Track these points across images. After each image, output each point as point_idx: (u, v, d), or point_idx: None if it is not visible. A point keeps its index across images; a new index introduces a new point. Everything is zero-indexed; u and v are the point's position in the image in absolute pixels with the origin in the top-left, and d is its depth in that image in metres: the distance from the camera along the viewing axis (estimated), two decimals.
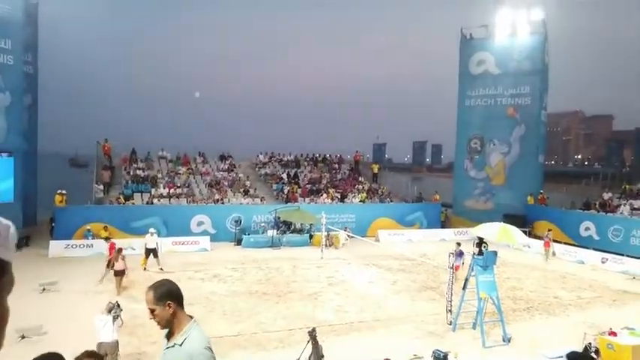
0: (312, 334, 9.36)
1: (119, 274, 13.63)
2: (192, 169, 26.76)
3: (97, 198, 21.95)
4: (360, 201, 26.63)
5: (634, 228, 20.65)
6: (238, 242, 21.55)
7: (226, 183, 25.80)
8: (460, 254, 15.26)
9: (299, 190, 26.33)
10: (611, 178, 31.80)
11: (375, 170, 31.71)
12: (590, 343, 9.79)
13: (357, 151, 33.18)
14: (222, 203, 23.56)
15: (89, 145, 27.33)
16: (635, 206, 22.52)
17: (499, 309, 10.99)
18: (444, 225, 28.19)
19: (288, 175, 28.17)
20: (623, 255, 19.61)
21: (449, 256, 12.10)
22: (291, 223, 23.09)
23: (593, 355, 9.38)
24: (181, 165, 26.82)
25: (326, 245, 20.69)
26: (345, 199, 26.42)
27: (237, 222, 22.27)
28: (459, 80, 29.71)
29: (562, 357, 4.19)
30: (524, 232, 18.44)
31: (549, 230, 21.86)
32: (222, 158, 28.82)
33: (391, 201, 27.90)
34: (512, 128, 27.85)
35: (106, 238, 18.77)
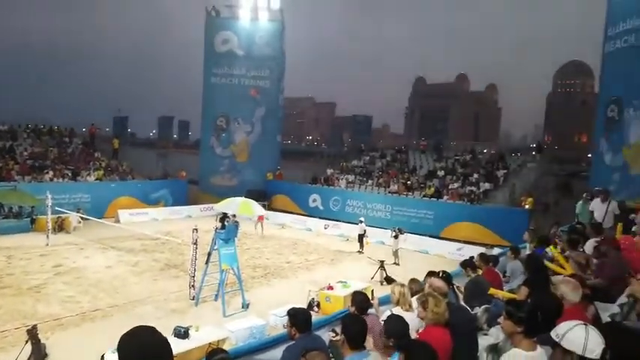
0: (32, 332, 8.05)
1: None
2: None
3: None
4: (97, 179, 24.15)
5: (348, 198, 24.80)
6: None
7: None
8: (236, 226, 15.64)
9: (16, 167, 22.11)
10: (333, 156, 37.49)
11: (116, 145, 29.29)
12: (313, 299, 11.39)
13: (92, 124, 29.91)
14: None
15: None
16: (350, 180, 27.08)
17: (239, 278, 11.68)
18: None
19: (3, 148, 23.31)
20: (340, 221, 23.38)
21: (193, 232, 12.12)
22: (3, 206, 19.21)
23: (315, 307, 10.97)
24: None
25: (54, 230, 18.11)
26: (78, 177, 23.51)
27: None
28: (205, 57, 29.78)
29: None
30: (263, 206, 20.06)
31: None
32: None
33: (133, 178, 26.23)
34: (254, 109, 29.60)
35: None
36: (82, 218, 19.81)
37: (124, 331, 1.79)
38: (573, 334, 2.28)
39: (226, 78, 29.46)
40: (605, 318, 4.29)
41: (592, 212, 10.59)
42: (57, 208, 18.18)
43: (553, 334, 2.38)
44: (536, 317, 3.13)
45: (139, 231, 18.06)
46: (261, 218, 20.88)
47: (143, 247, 17.58)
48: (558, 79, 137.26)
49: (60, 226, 19.26)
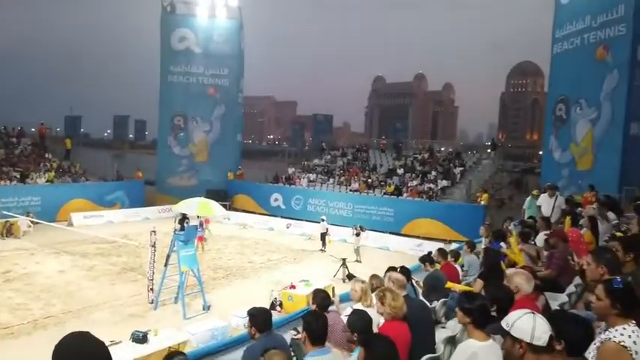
0: None
1: None
2: None
3: None
4: (48, 181, 23.15)
5: (310, 197, 24.83)
6: None
7: None
8: (200, 225, 15.63)
9: None
10: (295, 155, 37.46)
11: (69, 146, 28.17)
12: (275, 298, 11.33)
13: (42, 124, 28.62)
14: None
15: None
16: (311, 179, 27.13)
17: (199, 280, 11.48)
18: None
19: None
20: (302, 220, 23.38)
21: (151, 234, 11.83)
22: None
23: (278, 307, 10.93)
24: None
25: (2, 235, 17.29)
26: (28, 180, 22.44)
27: None
28: (161, 54, 29.02)
29: None
30: (225, 206, 19.81)
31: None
32: None
33: (87, 180, 25.31)
34: (213, 107, 29.15)
35: None
36: (32, 222, 18.96)
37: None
38: (522, 322, 2.38)
39: (184, 76, 28.84)
40: (555, 307, 4.49)
41: (539, 207, 11.02)
42: (4, 212, 17.36)
43: (503, 323, 2.48)
44: (485, 308, 3.25)
45: (94, 234, 17.46)
46: (207, 221, 18.88)
47: (99, 250, 16.99)
48: (511, 79, 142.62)
49: (8, 231, 18.36)
